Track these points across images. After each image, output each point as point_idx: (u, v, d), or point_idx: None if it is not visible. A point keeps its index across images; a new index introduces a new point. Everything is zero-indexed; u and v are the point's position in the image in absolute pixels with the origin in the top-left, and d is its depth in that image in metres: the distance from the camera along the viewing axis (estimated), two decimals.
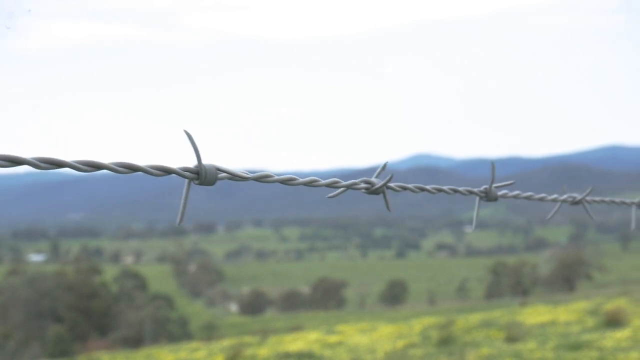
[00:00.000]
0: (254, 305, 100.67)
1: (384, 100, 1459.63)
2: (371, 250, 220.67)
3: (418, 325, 25.75)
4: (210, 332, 65.15)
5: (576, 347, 16.92)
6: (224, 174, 2.26)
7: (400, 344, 19.64)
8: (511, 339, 19.12)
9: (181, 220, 2.15)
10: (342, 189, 2.61)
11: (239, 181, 2.34)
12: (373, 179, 2.53)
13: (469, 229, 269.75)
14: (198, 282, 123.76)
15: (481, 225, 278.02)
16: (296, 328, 37.25)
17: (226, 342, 24.66)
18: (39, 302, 73.22)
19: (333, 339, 22.16)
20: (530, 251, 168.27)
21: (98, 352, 34.49)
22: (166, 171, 2.19)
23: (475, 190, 2.57)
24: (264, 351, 19.97)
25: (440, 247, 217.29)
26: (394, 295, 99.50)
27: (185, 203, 2.15)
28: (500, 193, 2.70)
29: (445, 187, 2.73)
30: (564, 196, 2.90)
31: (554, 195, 3.10)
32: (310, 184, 2.53)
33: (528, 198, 2.73)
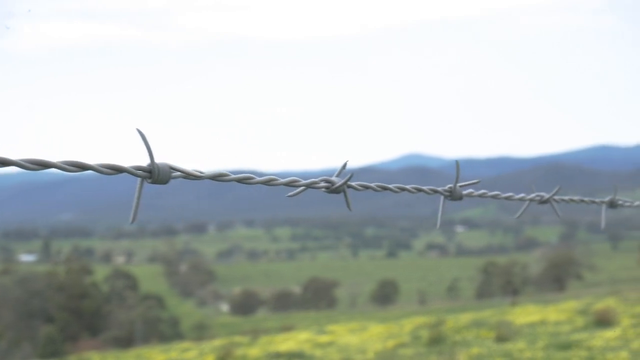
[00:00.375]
0: (245, 305, 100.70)
1: (375, 100, 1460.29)
2: (362, 250, 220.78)
3: (408, 325, 25.82)
4: (201, 332, 65.22)
5: (566, 346, 17.00)
6: (178, 173, 2.23)
7: (390, 343, 19.71)
8: (501, 338, 19.20)
9: (134, 219, 2.17)
10: (301, 188, 2.59)
11: (193, 180, 2.31)
12: (333, 178, 2.52)
13: (460, 229, 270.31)
14: (189, 282, 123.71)
15: (472, 225, 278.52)
16: (287, 328, 37.30)
17: (217, 342, 24.71)
18: (30, 302, 73.16)
19: (324, 339, 22.22)
20: (520, 251, 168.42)
21: (89, 352, 34.49)
22: (117, 170, 2.17)
23: (440, 189, 2.58)
24: (254, 351, 20.03)
25: (431, 247, 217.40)
26: (385, 295, 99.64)
27: (137, 202, 2.16)
28: (465, 192, 2.68)
29: (408, 187, 2.75)
30: (532, 195, 2.91)
31: (521, 195, 3.08)
32: (268, 182, 2.50)
33: (494, 197, 2.73)
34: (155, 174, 2.18)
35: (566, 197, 3.06)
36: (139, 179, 2.20)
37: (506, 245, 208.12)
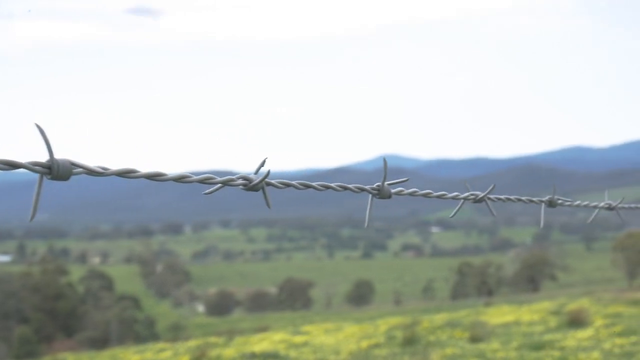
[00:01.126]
0: (221, 305, 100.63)
1: (352, 101, 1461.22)
2: (338, 251, 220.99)
3: (383, 325, 25.89)
4: (176, 333, 65.04)
5: (539, 347, 17.12)
6: (80, 169, 2.20)
7: (365, 344, 19.79)
8: (475, 339, 19.30)
9: (33, 216, 2.16)
10: (218, 185, 2.51)
11: (96, 176, 2.27)
12: (251, 175, 2.48)
13: (435, 230, 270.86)
14: (165, 282, 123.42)
15: (447, 225, 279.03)
16: (262, 328, 37.30)
17: (192, 343, 24.71)
18: (5, 303, 72.85)
19: (299, 339, 22.26)
20: (495, 251, 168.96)
21: (64, 353, 34.38)
22: (14, 165, 2.10)
23: (367, 187, 2.53)
24: (229, 352, 20.04)
25: (407, 247, 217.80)
26: (361, 296, 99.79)
27: (37, 199, 2.13)
28: (394, 190, 2.65)
29: (333, 184, 2.71)
30: (466, 194, 2.92)
31: (455, 193, 3.03)
32: (180, 179, 2.43)
33: (425, 196, 2.73)
34: (55, 170, 2.13)
35: (502, 196, 3.08)
36: (38, 175, 2.14)
37: (481, 246, 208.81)
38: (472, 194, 2.87)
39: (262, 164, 2.46)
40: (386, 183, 2.58)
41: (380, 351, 18.49)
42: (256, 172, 2.42)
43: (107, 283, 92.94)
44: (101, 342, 60.27)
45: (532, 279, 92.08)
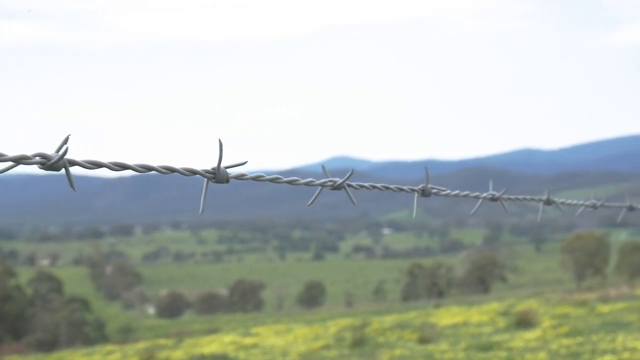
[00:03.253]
0: (171, 307, 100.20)
1: (303, 102, 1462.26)
2: (289, 253, 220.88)
3: (333, 327, 25.97)
4: (126, 335, 64.68)
5: (486, 347, 17.25)
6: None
7: (314, 345, 19.83)
8: (424, 340, 19.41)
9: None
10: (10, 164, 2.16)
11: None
12: (51, 154, 2.28)
13: (386, 231, 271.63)
14: (115, 284, 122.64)
15: (398, 227, 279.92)
16: (213, 330, 37.23)
17: (141, 345, 24.63)
18: None
19: (248, 341, 22.27)
20: (446, 253, 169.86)
21: (11, 356, 34.09)
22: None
23: (201, 170, 2.38)
24: (178, 354, 20.01)
25: (358, 249, 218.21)
26: (312, 297, 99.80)
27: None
28: (233, 174, 2.52)
29: (156, 166, 2.38)
30: (323, 180, 2.84)
31: (309, 179, 2.91)
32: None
33: (274, 181, 2.52)
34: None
35: (367, 184, 3.07)
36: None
37: (432, 248, 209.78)
38: (330, 181, 2.86)
39: (65, 141, 2.18)
40: (223, 166, 2.43)
41: (329, 353, 18.55)
42: (57, 150, 2.20)
43: (56, 285, 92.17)
44: (50, 345, 59.76)
45: (482, 280, 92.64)
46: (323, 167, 2.87)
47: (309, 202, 2.79)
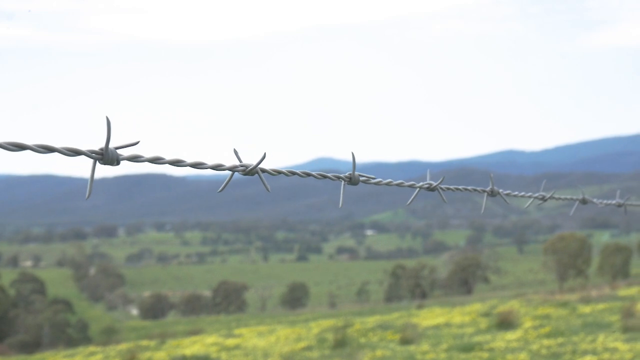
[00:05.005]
0: (155, 309, 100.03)
1: (286, 103, 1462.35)
2: (273, 254, 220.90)
3: (316, 328, 26.01)
4: (109, 337, 64.57)
5: (468, 348, 17.34)
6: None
7: (296, 346, 19.88)
8: (405, 341, 19.47)
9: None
10: None
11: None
12: None
13: (370, 233, 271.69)
14: (98, 286, 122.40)
15: (381, 228, 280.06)
16: (196, 332, 37.22)
17: (123, 346, 24.63)
18: None
19: (231, 342, 22.30)
20: (429, 254, 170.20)
21: None
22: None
23: (86, 150, 2.21)
24: (160, 355, 20.03)
25: (341, 250, 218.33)
26: (295, 299, 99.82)
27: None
28: (126, 155, 2.35)
29: (35, 146, 2.18)
30: (233, 164, 2.61)
31: (215, 163, 2.70)
32: None
33: (153, 161, 2.23)
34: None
35: (284, 169, 2.85)
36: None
37: (415, 249, 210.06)
38: (242, 165, 2.73)
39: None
40: (112, 146, 2.28)
41: (311, 353, 18.60)
42: None
43: (39, 286, 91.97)
44: (33, 346, 59.67)
45: (465, 282, 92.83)
46: (235, 151, 2.68)
47: (220, 189, 2.64)
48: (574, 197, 4.92)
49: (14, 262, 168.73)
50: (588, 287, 48.61)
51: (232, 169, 2.68)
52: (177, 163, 2.51)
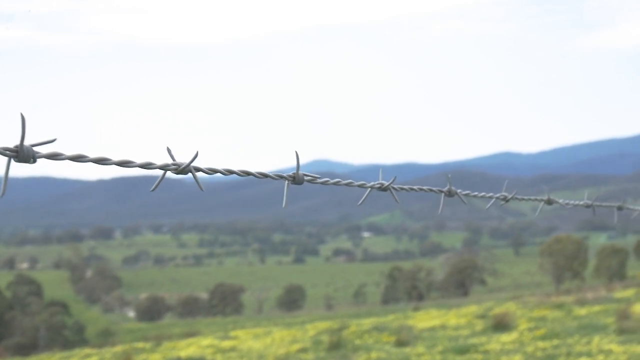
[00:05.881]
0: (151, 311, 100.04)
1: (283, 105, 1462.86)
2: (270, 256, 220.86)
3: (312, 330, 26.05)
4: (106, 339, 64.56)
5: (463, 350, 17.35)
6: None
7: (292, 348, 19.90)
8: (401, 343, 19.49)
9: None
10: None
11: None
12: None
13: (366, 235, 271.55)
14: (95, 288, 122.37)
15: (378, 230, 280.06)
16: (192, 334, 37.24)
17: (118, 348, 24.64)
18: None
19: (226, 344, 22.31)
20: (426, 256, 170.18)
21: None
22: None
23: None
24: (156, 357, 20.05)
25: (338, 252, 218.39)
26: (292, 301, 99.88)
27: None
28: (44, 154, 2.27)
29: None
30: (164, 163, 2.39)
31: (146, 161, 2.54)
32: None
33: (74, 159, 2.09)
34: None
35: (221, 168, 2.66)
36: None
37: (412, 251, 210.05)
38: (174, 164, 2.56)
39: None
40: (27, 143, 2.22)
41: (306, 356, 18.61)
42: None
43: (36, 288, 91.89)
44: (29, 348, 59.65)
45: (461, 284, 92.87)
46: (168, 149, 2.54)
47: (152, 188, 2.41)
48: (538, 198, 4.85)
49: (10, 264, 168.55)
50: (584, 289, 48.69)
51: (164, 167, 2.56)
52: (101, 161, 2.41)
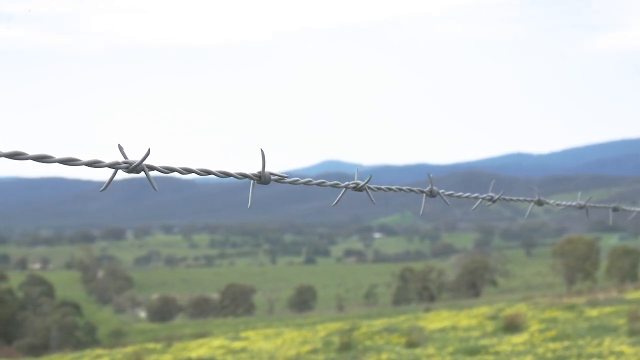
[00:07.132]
0: (163, 311, 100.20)
1: (294, 106, 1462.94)
2: (281, 257, 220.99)
3: (322, 331, 26.04)
4: (117, 339, 64.66)
5: (474, 351, 17.33)
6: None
7: (302, 349, 19.90)
8: (411, 344, 19.47)
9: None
10: None
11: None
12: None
13: (377, 235, 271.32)
14: (106, 288, 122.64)
15: (389, 231, 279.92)
16: (203, 334, 37.28)
17: (129, 349, 24.68)
18: None
19: (237, 345, 22.33)
20: (437, 257, 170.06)
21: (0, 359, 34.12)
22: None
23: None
24: (166, 357, 20.08)
25: (349, 253, 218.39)
26: (303, 301, 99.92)
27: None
28: (1, 154, 2.12)
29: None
30: (114, 161, 2.26)
31: (94, 159, 2.40)
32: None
33: (10, 157, 1.88)
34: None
35: (178, 167, 2.51)
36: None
37: (423, 252, 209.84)
38: (125, 162, 2.41)
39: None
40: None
41: (316, 356, 18.61)
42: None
43: (48, 289, 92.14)
44: (41, 349, 59.77)
45: (473, 285, 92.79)
46: (119, 146, 2.39)
47: (102, 188, 2.37)
48: (528, 199, 4.77)
49: (22, 264, 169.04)
50: (596, 290, 48.59)
51: (113, 165, 2.42)
52: (41, 159, 2.26)
